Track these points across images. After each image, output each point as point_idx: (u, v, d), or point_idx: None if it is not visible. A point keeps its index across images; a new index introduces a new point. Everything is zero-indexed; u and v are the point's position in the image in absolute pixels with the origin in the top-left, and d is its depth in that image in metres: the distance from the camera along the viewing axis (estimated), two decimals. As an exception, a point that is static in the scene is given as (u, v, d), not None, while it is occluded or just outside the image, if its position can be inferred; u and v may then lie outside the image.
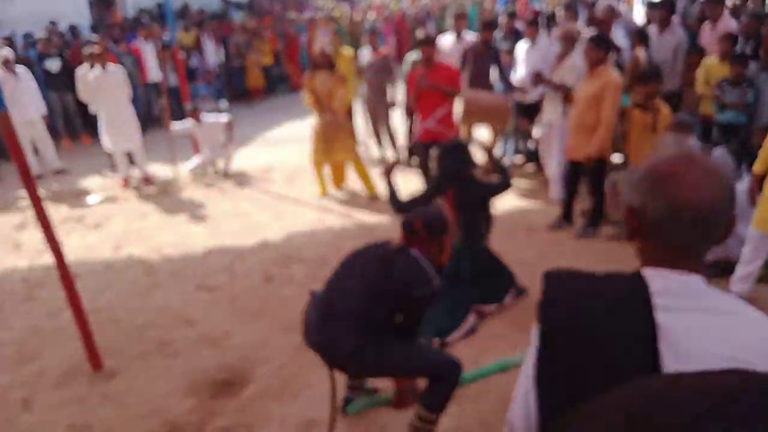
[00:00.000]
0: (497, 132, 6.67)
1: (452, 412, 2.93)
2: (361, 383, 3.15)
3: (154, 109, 10.39)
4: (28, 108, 7.52)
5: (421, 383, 2.77)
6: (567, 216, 5.29)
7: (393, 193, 3.93)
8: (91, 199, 6.94)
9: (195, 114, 7.21)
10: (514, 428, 1.15)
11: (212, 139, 7.34)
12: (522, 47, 6.31)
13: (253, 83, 12.44)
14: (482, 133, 7.38)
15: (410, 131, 6.87)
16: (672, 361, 0.95)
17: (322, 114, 6.08)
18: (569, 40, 5.34)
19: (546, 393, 1.07)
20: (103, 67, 6.85)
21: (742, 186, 3.89)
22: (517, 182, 6.53)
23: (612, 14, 6.42)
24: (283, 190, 6.88)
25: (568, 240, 5.09)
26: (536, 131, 6.43)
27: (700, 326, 0.97)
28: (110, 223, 6.19)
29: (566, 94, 5.01)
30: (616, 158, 5.49)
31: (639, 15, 8.74)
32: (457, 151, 4.06)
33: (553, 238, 5.16)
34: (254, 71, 12.34)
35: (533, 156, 6.69)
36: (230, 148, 7.51)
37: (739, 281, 3.80)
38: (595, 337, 1.01)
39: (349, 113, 6.31)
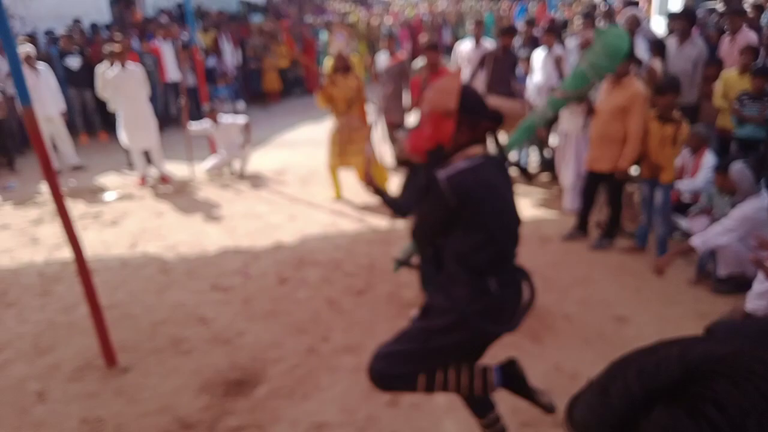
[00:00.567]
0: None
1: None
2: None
3: (172, 109, 10.48)
4: (48, 104, 7.61)
5: None
6: (582, 226, 5.27)
7: (387, 199, 3.23)
8: (107, 196, 7.02)
9: (213, 115, 7.27)
10: None
11: (229, 140, 7.40)
12: (539, 54, 6.32)
13: (270, 86, 12.52)
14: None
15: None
16: None
17: (339, 117, 6.12)
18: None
19: None
20: (123, 66, 6.92)
21: (761, 202, 3.86)
22: (532, 191, 6.53)
23: (636, 23, 6.41)
24: (298, 192, 6.92)
25: (582, 250, 5.07)
26: (553, 140, 6.42)
27: None
28: (126, 221, 6.25)
29: (589, 108, 5.00)
30: (633, 170, 5.47)
31: (658, 26, 8.72)
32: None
33: (567, 248, 5.15)
34: (271, 74, 12.43)
35: (549, 165, 6.68)
36: (247, 149, 7.56)
37: (755, 297, 3.77)
38: None
39: (364, 117, 6.34)
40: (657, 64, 5.91)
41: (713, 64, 5.93)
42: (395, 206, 3.47)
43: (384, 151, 7.75)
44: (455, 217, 2.14)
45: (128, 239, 5.74)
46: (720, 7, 9.84)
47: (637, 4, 9.05)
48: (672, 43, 6.17)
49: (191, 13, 8.14)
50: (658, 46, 6.09)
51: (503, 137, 7.14)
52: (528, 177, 6.79)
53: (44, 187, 7.21)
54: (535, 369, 3.42)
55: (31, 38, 9.63)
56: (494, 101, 2.29)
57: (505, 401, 2.73)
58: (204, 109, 7.49)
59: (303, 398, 3.32)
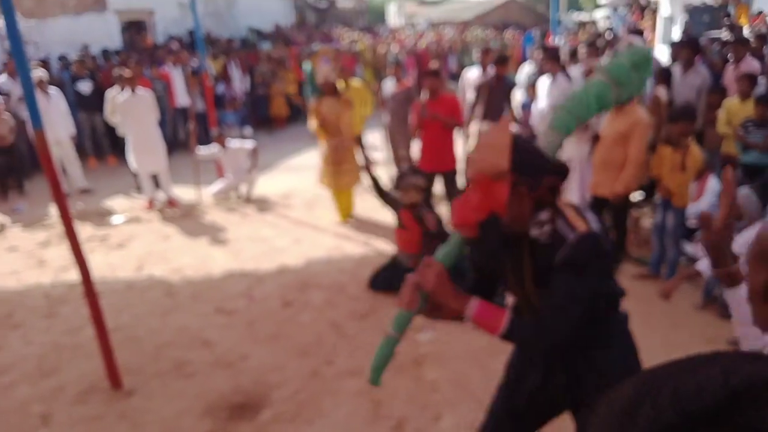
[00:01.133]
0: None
1: None
2: None
3: (181, 134, 10.60)
4: (58, 128, 7.71)
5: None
6: (587, 251, 5.25)
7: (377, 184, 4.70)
8: (115, 219, 7.07)
9: (220, 139, 7.36)
10: None
11: (236, 165, 7.47)
12: (544, 82, 6.39)
13: (277, 111, 12.66)
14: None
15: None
16: None
17: (329, 139, 6.25)
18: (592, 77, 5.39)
19: None
20: (133, 91, 7.03)
21: None
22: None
23: None
24: (303, 216, 6.95)
25: (587, 275, 5.05)
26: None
27: None
28: (133, 244, 6.28)
29: (595, 136, 5.05)
30: (637, 195, 5.48)
31: (661, 54, 8.81)
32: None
33: (572, 273, 5.13)
34: (278, 100, 12.58)
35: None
36: (254, 173, 7.62)
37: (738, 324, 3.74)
38: None
39: (356, 140, 6.46)
40: (662, 92, 5.96)
41: (717, 91, 5.98)
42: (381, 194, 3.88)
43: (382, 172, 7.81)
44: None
45: (134, 262, 5.77)
46: (725, 35, 9.96)
47: (641, 32, 9.17)
48: (676, 71, 6.24)
49: (201, 40, 8.28)
50: (663, 74, 6.14)
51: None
52: None
53: (52, 210, 7.28)
54: (540, 395, 3.40)
55: (44, 63, 9.81)
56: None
57: None
58: (212, 134, 7.59)
59: (306, 423, 3.30)
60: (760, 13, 11.27)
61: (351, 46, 15.30)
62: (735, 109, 5.51)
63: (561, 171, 1.77)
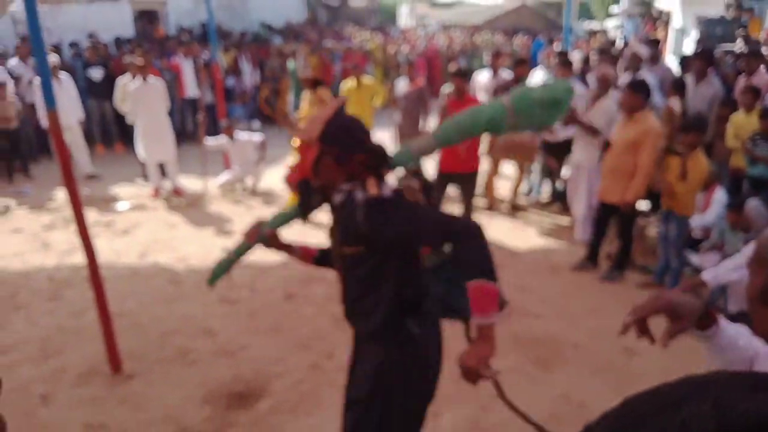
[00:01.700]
0: (523, 167, 6.74)
1: None
2: None
3: (189, 124, 10.62)
4: (67, 113, 7.72)
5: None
6: (592, 257, 5.26)
7: None
8: (120, 206, 7.08)
9: (229, 130, 7.38)
10: None
11: (244, 157, 7.48)
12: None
13: (285, 105, 12.66)
14: (509, 167, 7.41)
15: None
16: None
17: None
18: (605, 83, 5.39)
19: None
20: (144, 79, 7.05)
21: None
22: (543, 221, 6.54)
23: (638, 61, 6.53)
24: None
25: (591, 282, 5.05)
26: (565, 171, 6.45)
27: None
28: (138, 231, 6.30)
29: (605, 142, 5.05)
30: (644, 205, 5.48)
31: (672, 65, 8.79)
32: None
33: (576, 278, 5.14)
34: (287, 94, 12.58)
35: (561, 196, 6.70)
36: (261, 166, 7.64)
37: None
38: None
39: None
40: (675, 103, 5.95)
41: (728, 104, 5.98)
42: None
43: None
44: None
45: (139, 249, 5.78)
46: (740, 47, 9.94)
47: (658, 42, 9.15)
48: (689, 83, 6.23)
49: (214, 32, 8.30)
50: (677, 85, 6.13)
51: (510, 167, 6.99)
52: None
53: (58, 194, 7.30)
54: (542, 396, 3.40)
55: (56, 49, 9.84)
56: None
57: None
58: (221, 125, 7.61)
59: (305, 414, 3.31)
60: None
61: (362, 44, 15.32)
62: (741, 122, 5.52)
63: (374, 151, 1.93)
